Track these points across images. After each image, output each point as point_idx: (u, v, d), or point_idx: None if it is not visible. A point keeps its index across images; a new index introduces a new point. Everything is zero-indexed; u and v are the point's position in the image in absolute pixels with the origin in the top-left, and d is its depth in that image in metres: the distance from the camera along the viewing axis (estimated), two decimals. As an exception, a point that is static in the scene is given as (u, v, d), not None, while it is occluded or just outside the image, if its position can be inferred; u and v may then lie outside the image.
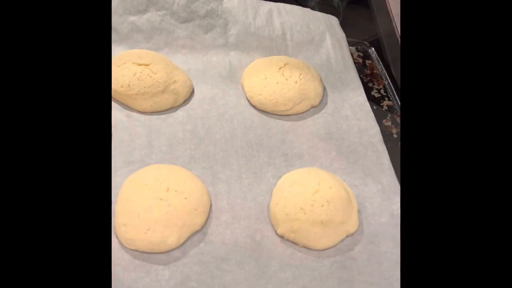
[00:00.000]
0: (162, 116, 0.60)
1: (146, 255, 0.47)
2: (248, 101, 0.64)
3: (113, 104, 0.60)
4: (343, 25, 0.76)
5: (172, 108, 0.61)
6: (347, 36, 0.75)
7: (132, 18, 0.67)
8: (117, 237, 0.48)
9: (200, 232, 0.50)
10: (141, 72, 0.59)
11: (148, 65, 0.60)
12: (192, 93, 0.63)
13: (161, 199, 0.48)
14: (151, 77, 0.59)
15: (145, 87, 0.58)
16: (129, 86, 0.58)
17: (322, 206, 0.50)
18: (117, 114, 0.59)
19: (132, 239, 0.47)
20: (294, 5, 0.73)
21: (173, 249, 0.48)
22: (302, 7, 0.74)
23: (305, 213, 0.50)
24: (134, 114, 0.60)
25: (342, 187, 0.53)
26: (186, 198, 0.49)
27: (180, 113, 0.61)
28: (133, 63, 0.60)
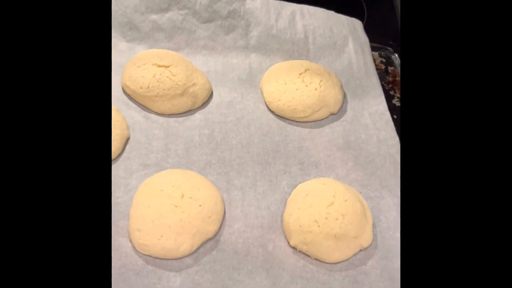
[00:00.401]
0: (180, 119, 0.60)
1: (159, 260, 0.48)
2: (267, 106, 0.63)
3: (131, 105, 0.60)
4: (366, 28, 0.75)
5: (190, 110, 0.61)
6: (371, 40, 0.73)
7: (154, 17, 0.67)
8: (131, 241, 0.48)
9: (213, 239, 0.50)
10: (160, 74, 0.59)
11: (168, 66, 0.59)
12: (210, 96, 0.63)
13: (176, 206, 0.48)
14: (170, 79, 0.59)
15: (164, 89, 0.58)
16: (148, 87, 0.58)
17: (337, 219, 0.50)
18: (135, 115, 0.59)
19: (146, 244, 0.47)
20: (317, 8, 0.72)
21: (186, 256, 0.48)
22: (326, 10, 0.72)
23: (318, 226, 0.49)
24: (152, 115, 0.60)
25: (357, 200, 0.52)
26: (200, 205, 0.49)
27: (198, 116, 0.61)
28: (153, 64, 0.59)
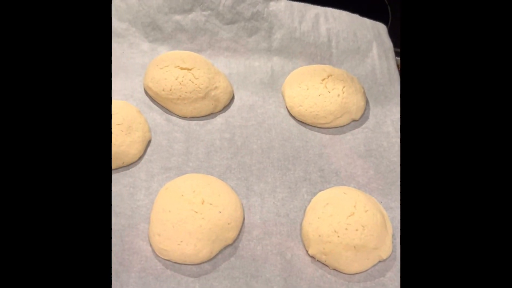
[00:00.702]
0: (201, 122, 0.60)
1: (178, 265, 0.48)
2: (288, 111, 0.63)
3: (153, 107, 0.61)
4: (391, 32, 0.73)
5: (211, 114, 0.61)
6: (394, 45, 0.72)
7: (177, 17, 0.67)
8: (150, 245, 0.49)
9: (232, 246, 0.50)
10: (183, 77, 0.59)
11: (190, 69, 0.59)
12: (232, 99, 0.63)
13: (196, 212, 0.49)
14: (193, 82, 0.59)
15: (186, 92, 0.58)
16: (170, 90, 0.58)
17: (357, 230, 0.49)
18: (157, 117, 0.59)
19: (166, 249, 0.47)
20: (342, 11, 0.71)
21: (204, 262, 0.49)
22: (350, 13, 0.71)
23: (338, 236, 0.49)
24: (174, 118, 0.60)
25: (378, 211, 0.52)
26: (220, 212, 0.49)
27: (219, 119, 0.61)
28: (175, 67, 0.59)
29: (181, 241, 0.47)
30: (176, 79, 0.58)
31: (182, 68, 0.59)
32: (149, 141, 0.57)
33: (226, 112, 0.62)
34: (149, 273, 0.47)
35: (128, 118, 0.55)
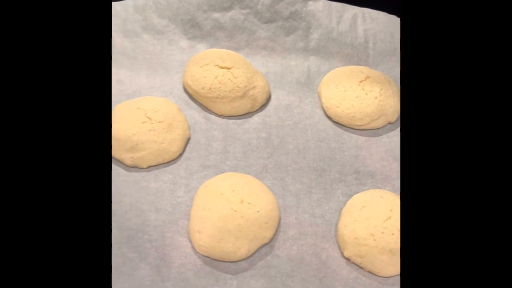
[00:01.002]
0: (239, 121, 0.61)
1: (216, 262, 0.49)
2: (324, 111, 0.63)
3: (192, 104, 0.62)
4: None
5: (248, 113, 0.62)
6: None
7: (216, 15, 0.67)
8: (190, 242, 0.50)
9: (268, 245, 0.51)
10: (222, 76, 0.59)
11: (230, 68, 0.60)
12: (268, 98, 0.64)
13: (235, 211, 0.50)
14: (232, 81, 0.59)
15: (225, 91, 0.59)
16: (210, 88, 0.59)
17: (393, 234, 0.50)
18: (196, 115, 0.61)
19: (205, 246, 0.49)
20: (380, 12, 0.70)
21: (242, 260, 0.50)
22: (388, 14, 0.71)
23: (374, 240, 0.50)
24: (212, 116, 0.61)
25: (413, 215, 0.52)
26: (258, 211, 0.50)
27: (256, 119, 0.62)
28: (215, 65, 0.60)
29: (221, 239, 0.49)
30: (216, 78, 0.59)
31: (221, 67, 0.60)
32: (188, 139, 0.58)
33: (263, 111, 0.63)
34: (188, 268, 0.48)
35: (169, 116, 0.56)
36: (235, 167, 0.57)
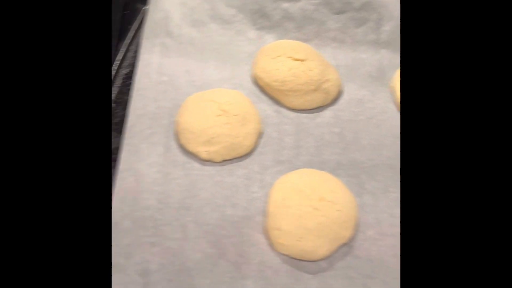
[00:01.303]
0: (310, 115, 0.59)
1: (295, 261, 0.48)
2: (397, 107, 0.61)
3: (262, 97, 0.60)
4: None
5: (320, 106, 0.60)
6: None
7: (285, 5, 0.65)
8: (268, 239, 0.49)
9: (347, 244, 0.50)
10: (296, 68, 0.58)
11: (303, 60, 0.58)
12: (340, 91, 0.62)
13: (316, 209, 0.48)
14: (306, 74, 0.57)
15: (298, 84, 0.57)
16: (283, 81, 0.57)
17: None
18: (267, 108, 0.59)
19: (285, 244, 0.47)
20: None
21: (321, 259, 0.48)
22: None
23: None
24: (283, 110, 0.59)
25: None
26: (338, 210, 0.49)
27: (328, 113, 0.60)
28: (288, 57, 0.58)
29: (301, 237, 0.47)
30: (289, 70, 0.58)
31: (295, 59, 0.58)
32: (261, 133, 0.56)
33: (335, 105, 0.61)
34: (267, 266, 0.47)
35: (244, 109, 0.55)
36: (309, 163, 0.55)
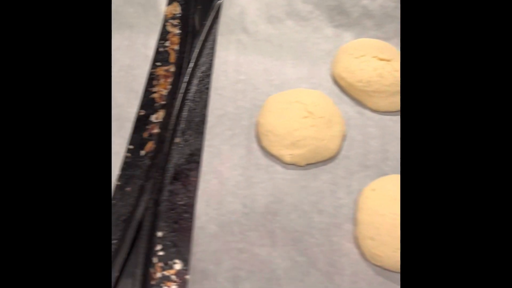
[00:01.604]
0: (395, 118, 0.56)
1: (389, 273, 0.46)
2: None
3: (344, 98, 0.57)
4: None
5: (405, 109, 0.57)
6: None
7: (365, 2, 0.62)
8: (359, 248, 0.47)
9: (442, 256, 0.47)
10: (382, 68, 0.55)
11: (389, 60, 0.55)
12: (424, 93, 0.59)
13: (412, 219, 0.46)
14: (392, 75, 0.55)
15: (384, 85, 0.55)
16: (368, 82, 0.55)
17: None
18: (349, 109, 0.56)
19: (379, 255, 0.45)
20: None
21: (416, 272, 0.46)
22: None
23: None
24: (366, 111, 0.56)
25: None
26: (435, 220, 0.46)
27: (413, 116, 0.57)
28: (373, 57, 0.56)
29: (397, 248, 0.45)
30: (375, 71, 0.55)
31: (380, 59, 0.55)
32: (344, 136, 0.54)
33: (420, 108, 0.58)
34: (361, 278, 0.45)
35: (329, 111, 0.52)
36: (397, 169, 0.52)
